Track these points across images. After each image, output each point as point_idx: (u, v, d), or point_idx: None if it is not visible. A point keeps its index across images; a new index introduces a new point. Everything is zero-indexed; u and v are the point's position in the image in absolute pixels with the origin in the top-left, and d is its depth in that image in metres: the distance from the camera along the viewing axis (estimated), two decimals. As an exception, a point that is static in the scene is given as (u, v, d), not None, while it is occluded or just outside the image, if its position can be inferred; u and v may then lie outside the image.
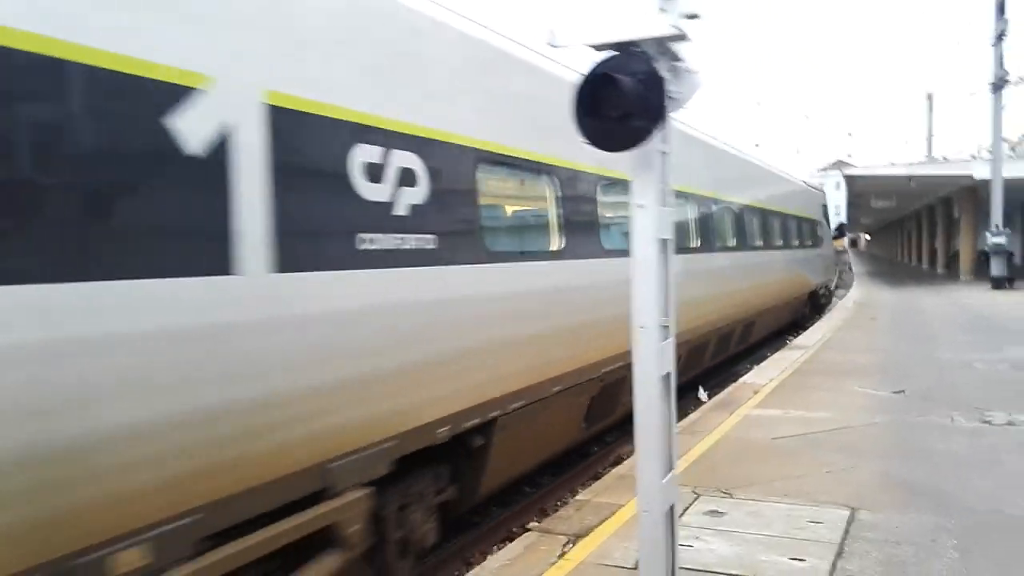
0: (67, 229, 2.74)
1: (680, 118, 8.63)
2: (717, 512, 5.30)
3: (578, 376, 6.63)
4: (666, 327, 3.05)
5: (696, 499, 5.56)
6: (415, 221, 4.54)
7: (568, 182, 6.56)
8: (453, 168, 4.96)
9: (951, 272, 35.30)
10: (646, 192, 2.84)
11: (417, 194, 4.57)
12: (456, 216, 5.05)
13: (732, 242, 12.02)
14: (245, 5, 3.51)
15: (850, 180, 32.86)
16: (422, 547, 5.13)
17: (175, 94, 3.09)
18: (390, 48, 4.50)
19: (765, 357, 13.12)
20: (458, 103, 5.13)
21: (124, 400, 2.88)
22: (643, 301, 2.86)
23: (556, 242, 6.38)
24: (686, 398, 10.47)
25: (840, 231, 38.65)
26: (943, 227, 38.99)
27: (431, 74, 4.87)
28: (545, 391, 6.10)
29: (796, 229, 17.66)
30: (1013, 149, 70.48)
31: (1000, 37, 23.01)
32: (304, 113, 3.74)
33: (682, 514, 5.24)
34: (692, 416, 8.46)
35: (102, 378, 2.81)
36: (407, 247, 4.46)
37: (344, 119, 4.01)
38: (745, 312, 12.57)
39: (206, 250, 3.23)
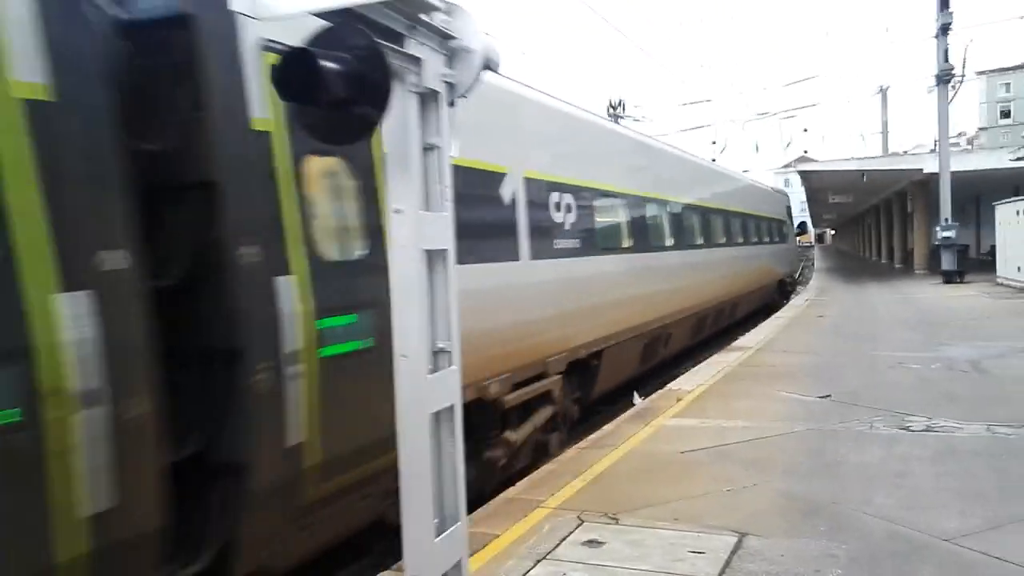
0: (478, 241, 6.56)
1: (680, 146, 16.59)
2: (596, 542, 4.85)
3: (635, 331, 10.57)
4: (446, 352, 2.58)
5: (578, 526, 5.11)
6: (571, 232, 8.59)
7: (634, 201, 11.00)
8: (585, 200, 9.10)
9: (907, 266, 35.45)
10: (404, 195, 2.35)
11: (572, 217, 8.62)
12: (585, 228, 9.05)
13: (721, 239, 16.29)
14: (523, 136, 7.91)
15: (805, 176, 32.81)
16: (572, 419, 9.03)
17: (500, 176, 7.16)
18: (564, 141, 9.08)
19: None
20: (584, 162, 9.48)
21: (496, 315, 6.65)
22: (403, 326, 2.37)
23: (624, 242, 10.45)
24: (623, 401, 10.09)
25: (803, 228, 39.70)
26: (899, 221, 39.19)
27: (578, 149, 9.51)
28: (624, 337, 10.12)
29: (766, 228, 22.31)
30: (971, 143, 71.40)
31: (944, 30, 22.97)
32: (535, 179, 7.86)
33: (558, 545, 4.81)
34: (606, 428, 8.03)
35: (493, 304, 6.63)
36: (569, 246, 8.47)
37: (549, 180, 8.24)
38: (730, 295, 16.94)
39: (511, 248, 7.26)
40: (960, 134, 75.71)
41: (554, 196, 8.20)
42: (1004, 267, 23.63)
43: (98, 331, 2.96)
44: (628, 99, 37.21)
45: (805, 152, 45.65)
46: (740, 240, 18.08)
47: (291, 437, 3.97)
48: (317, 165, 4.42)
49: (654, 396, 9.54)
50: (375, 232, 4.77)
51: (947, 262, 24.72)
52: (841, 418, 7.75)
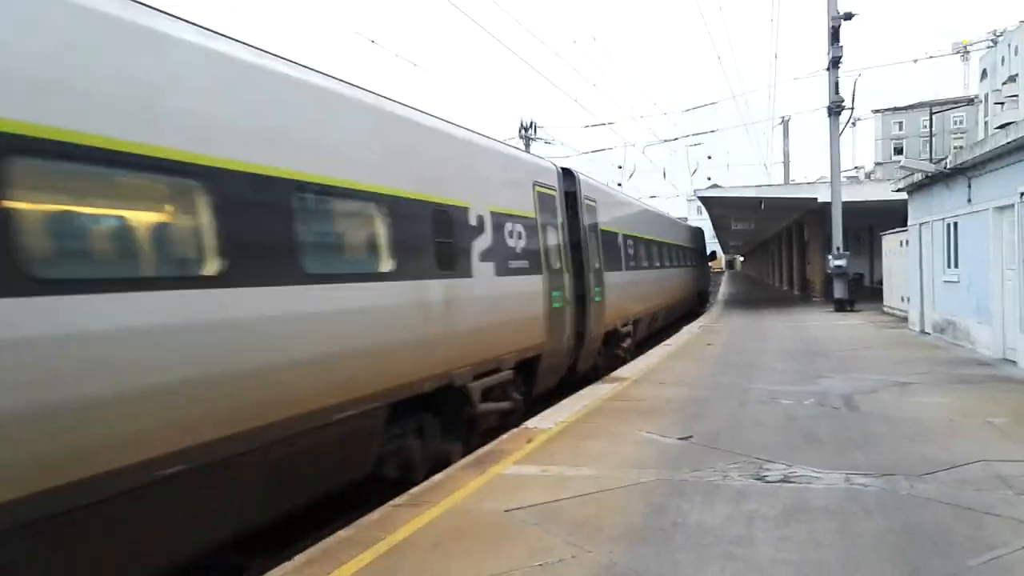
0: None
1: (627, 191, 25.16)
2: (346, 648, 3.80)
3: (651, 310, 19.56)
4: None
5: (336, 623, 4.05)
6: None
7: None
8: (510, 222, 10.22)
9: (805, 294, 36.03)
10: None
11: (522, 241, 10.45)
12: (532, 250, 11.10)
13: (659, 263, 21.69)
14: (481, 183, 9.42)
15: (707, 202, 32.94)
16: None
17: (463, 209, 8.57)
18: (514, 183, 10.57)
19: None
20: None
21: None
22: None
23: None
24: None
25: (712, 255, 42.08)
26: (798, 250, 39.99)
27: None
28: (648, 315, 19.01)
29: (688, 255, 30.07)
30: (868, 176, 74.49)
31: (835, 63, 23.27)
32: (498, 212, 9.49)
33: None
34: (437, 477, 7.00)
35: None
36: (518, 266, 10.08)
37: (503, 212, 9.68)
38: (667, 302, 22.97)
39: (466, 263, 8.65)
40: (858, 168, 79.19)
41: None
42: (890, 296, 23.97)
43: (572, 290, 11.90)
44: (536, 121, 36.64)
45: (709, 179, 46.26)
46: (671, 263, 24.24)
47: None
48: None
49: (504, 436, 8.58)
50: (563, 255, 11.89)
51: (839, 290, 24.92)
52: (695, 465, 6.95)
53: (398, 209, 7.19)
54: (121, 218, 4.73)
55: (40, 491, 3.81)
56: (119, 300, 4.30)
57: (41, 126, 3.99)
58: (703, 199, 32.29)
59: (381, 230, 6.98)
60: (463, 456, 7.98)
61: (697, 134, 38.15)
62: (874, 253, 36.07)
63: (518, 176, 10.74)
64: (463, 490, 6.48)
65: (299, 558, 5.13)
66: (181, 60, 5.02)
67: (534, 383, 10.66)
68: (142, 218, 4.88)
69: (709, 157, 45.90)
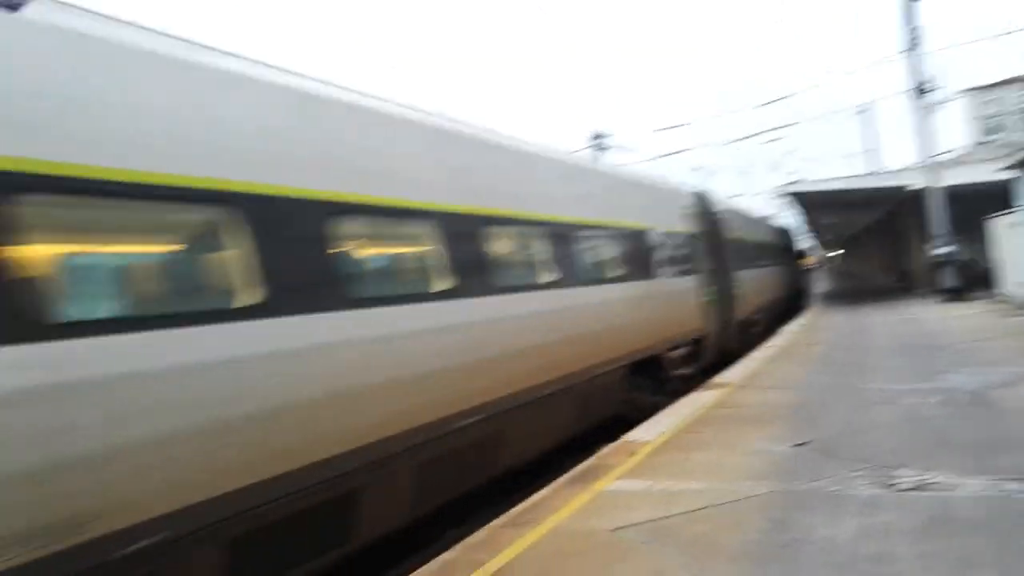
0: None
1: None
2: None
3: (767, 303, 22.17)
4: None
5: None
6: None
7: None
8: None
9: (907, 285, 34.10)
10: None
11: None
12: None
13: (766, 262, 23.74)
14: (653, 211, 12.71)
15: (792, 197, 31.62)
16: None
17: (649, 231, 11.95)
18: (671, 208, 13.91)
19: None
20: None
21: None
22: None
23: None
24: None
25: (803, 253, 41.97)
26: (894, 239, 37.94)
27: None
28: (765, 306, 21.71)
29: (784, 254, 31.90)
30: (962, 159, 70.42)
31: (913, 44, 21.93)
32: (666, 231, 12.80)
33: None
34: (540, 494, 6.74)
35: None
36: (682, 270, 13.32)
37: (668, 231, 12.98)
38: (776, 296, 25.50)
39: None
40: (948, 151, 74.81)
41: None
42: (1005, 282, 22.30)
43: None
44: (604, 128, 36.27)
45: (791, 174, 44.53)
46: (773, 263, 25.84)
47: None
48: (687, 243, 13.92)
49: (605, 451, 8.24)
50: (707, 260, 14.86)
51: (947, 279, 23.39)
52: (814, 474, 6.44)
53: (622, 234, 10.96)
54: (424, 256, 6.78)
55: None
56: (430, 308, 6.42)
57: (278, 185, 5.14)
58: (788, 195, 31.04)
59: (618, 250, 10.73)
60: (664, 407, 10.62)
61: (775, 128, 36.72)
62: (975, 239, 33.86)
63: (673, 202, 14.30)
64: (567, 508, 6.19)
65: (466, 543, 4.95)
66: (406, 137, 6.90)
67: (701, 357, 13.99)
68: (424, 254, 6.70)
69: (790, 152, 44.28)
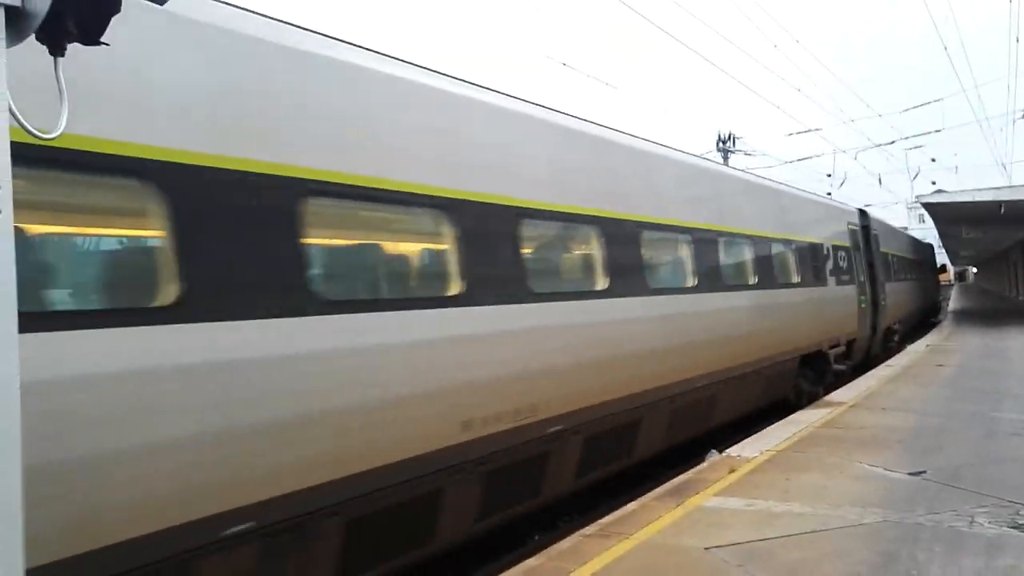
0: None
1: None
2: None
3: (906, 314, 23.95)
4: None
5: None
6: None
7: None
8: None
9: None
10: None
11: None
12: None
13: (908, 276, 26.03)
14: (825, 227, 15.01)
15: (931, 209, 29.55)
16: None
17: (821, 245, 14.20)
18: (838, 225, 16.18)
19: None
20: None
21: None
22: None
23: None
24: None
25: (943, 268, 41.65)
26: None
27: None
28: (905, 317, 23.61)
29: (923, 268, 33.78)
30: None
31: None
32: (834, 245, 14.90)
33: None
34: (628, 507, 6.58)
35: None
36: (844, 279, 15.44)
37: (836, 244, 15.10)
38: (915, 308, 27.34)
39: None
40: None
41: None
42: None
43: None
44: (734, 133, 35.03)
45: (933, 183, 41.58)
46: (913, 276, 27.83)
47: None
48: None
49: (703, 465, 7.96)
50: (864, 271, 16.85)
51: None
52: (931, 506, 5.97)
53: (803, 247, 13.12)
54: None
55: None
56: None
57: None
58: (928, 206, 29.02)
59: (800, 261, 12.81)
60: (821, 396, 12.61)
61: (918, 135, 34.33)
62: None
63: (840, 219, 16.42)
64: (658, 522, 6.00)
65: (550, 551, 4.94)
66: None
67: (852, 357, 15.53)
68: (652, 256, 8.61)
69: (933, 160, 41.18)
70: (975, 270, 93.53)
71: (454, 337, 5.43)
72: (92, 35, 2.41)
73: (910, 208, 68.41)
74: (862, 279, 16.58)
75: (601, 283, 7.24)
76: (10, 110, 2.11)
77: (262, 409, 4.01)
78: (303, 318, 4.31)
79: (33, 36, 2.22)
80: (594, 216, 7.24)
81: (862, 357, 16.47)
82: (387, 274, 5.60)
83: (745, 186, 12.02)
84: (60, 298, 3.67)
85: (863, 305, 16.37)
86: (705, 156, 15.25)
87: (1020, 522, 5.48)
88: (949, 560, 4.84)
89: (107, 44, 2.44)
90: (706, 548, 5.33)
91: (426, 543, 5.43)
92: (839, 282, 14.76)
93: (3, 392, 1.94)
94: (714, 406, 9.72)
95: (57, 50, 2.34)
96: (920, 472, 7.00)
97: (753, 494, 6.62)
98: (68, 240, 3.99)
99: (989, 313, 34.82)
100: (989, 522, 5.53)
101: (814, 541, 5.34)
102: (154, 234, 3.88)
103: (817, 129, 32.39)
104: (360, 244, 5.68)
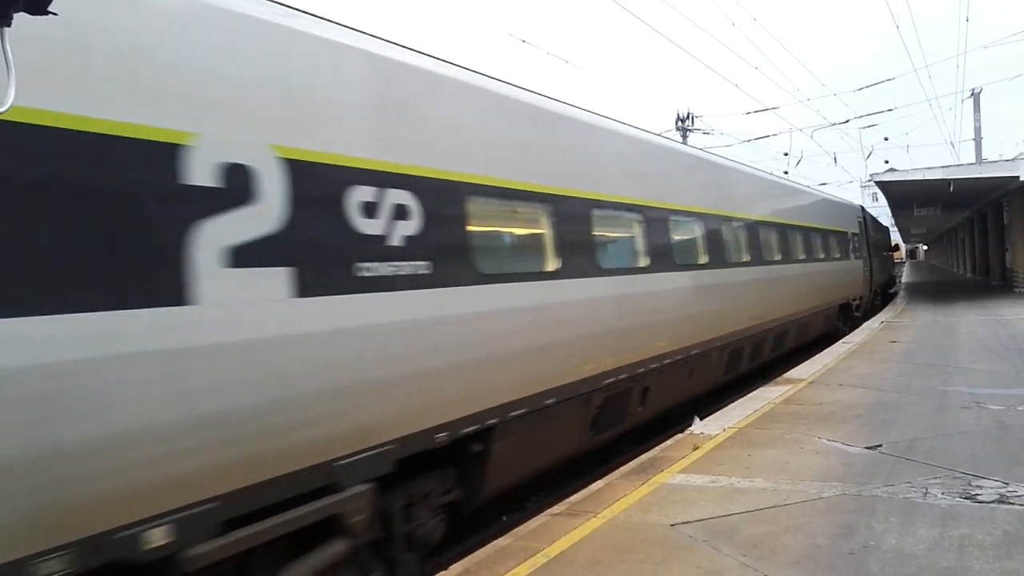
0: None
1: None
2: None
3: (876, 283, 28.67)
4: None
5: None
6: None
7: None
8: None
9: (1005, 284, 32.30)
10: None
11: None
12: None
13: (878, 253, 30.22)
14: (849, 219, 23.33)
15: (884, 187, 30.18)
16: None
17: (846, 232, 22.29)
18: (852, 217, 23.99)
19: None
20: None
21: None
22: None
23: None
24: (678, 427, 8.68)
25: (896, 247, 44.09)
26: (995, 235, 35.93)
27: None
28: (876, 286, 28.71)
29: (884, 247, 36.38)
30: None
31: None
32: (852, 233, 22.91)
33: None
34: (595, 485, 6.66)
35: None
36: (858, 255, 23.53)
37: (853, 232, 23.26)
38: (879, 280, 29.80)
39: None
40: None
41: None
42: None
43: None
44: (693, 111, 35.23)
45: (887, 162, 42.48)
46: (878, 253, 30.80)
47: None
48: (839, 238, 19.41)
49: (668, 443, 8.09)
50: (863, 249, 24.03)
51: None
52: (887, 478, 6.16)
53: (836, 233, 19.85)
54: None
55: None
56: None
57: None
58: (881, 184, 29.59)
59: (835, 243, 19.55)
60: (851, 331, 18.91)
61: (871, 114, 35.07)
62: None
63: (851, 213, 23.82)
64: (624, 500, 6.09)
65: (455, 567, 4.97)
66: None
67: (860, 308, 22.87)
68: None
69: (886, 139, 42.22)
70: (925, 248, 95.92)
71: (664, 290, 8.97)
72: (39, 5, 2.34)
73: (864, 187, 69.64)
74: (864, 256, 23.86)
75: (743, 256, 11.97)
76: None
77: (592, 324, 7.30)
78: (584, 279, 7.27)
79: None
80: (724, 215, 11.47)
81: (865, 309, 24.03)
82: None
83: (820, 198, 20.08)
84: (509, 266, 6.47)
85: (865, 273, 23.94)
86: (664, 135, 16.52)
87: (972, 493, 5.68)
88: (905, 531, 5.00)
89: (55, 14, 2.36)
90: (672, 525, 5.43)
91: (633, 418, 8.57)
92: (856, 257, 22.62)
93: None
94: (807, 329, 16.69)
95: (3, 19, 2.27)
96: (876, 446, 7.21)
97: (716, 471, 6.76)
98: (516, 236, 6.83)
99: (939, 289, 35.81)
100: (943, 493, 5.72)
101: (776, 515, 5.48)
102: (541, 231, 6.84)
103: (774, 108, 32.72)
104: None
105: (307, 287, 4.16)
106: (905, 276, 51.70)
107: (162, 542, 3.38)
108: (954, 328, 17.66)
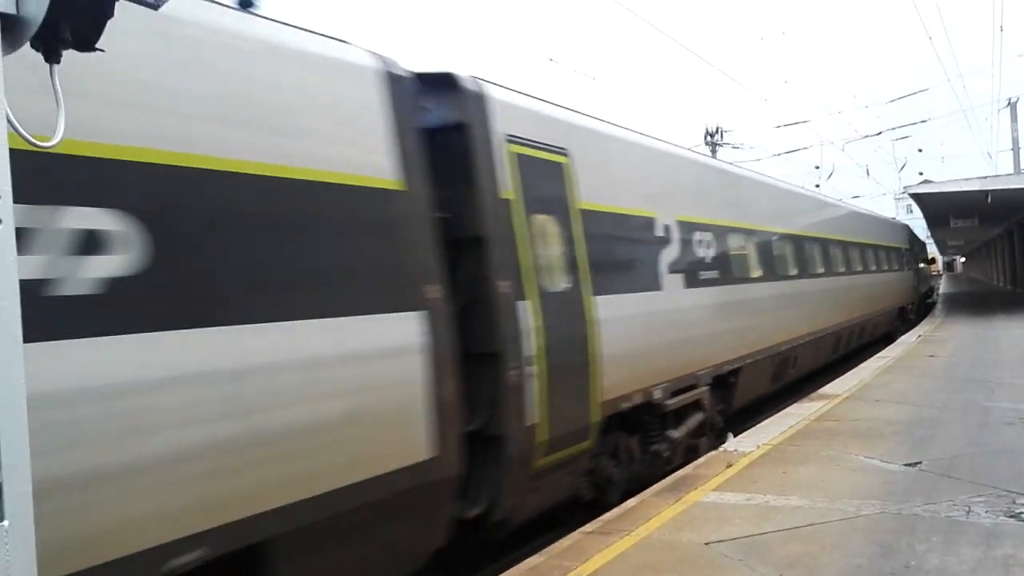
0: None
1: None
2: None
3: (918, 294, 32.05)
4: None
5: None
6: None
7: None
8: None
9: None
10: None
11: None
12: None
13: (918, 266, 33.04)
14: (901, 237, 28.31)
15: (919, 199, 29.69)
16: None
17: (900, 249, 26.94)
18: (902, 234, 29.39)
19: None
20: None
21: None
22: None
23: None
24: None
25: (933, 260, 45.15)
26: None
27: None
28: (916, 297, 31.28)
29: (919, 259, 36.35)
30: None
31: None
32: (902, 248, 27.32)
33: None
34: (628, 503, 6.60)
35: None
36: (907, 268, 28.86)
37: (903, 247, 27.69)
38: (925, 286, 36.22)
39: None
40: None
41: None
42: None
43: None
44: (721, 126, 35.06)
45: (921, 174, 41.87)
46: (922, 266, 35.32)
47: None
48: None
49: (701, 460, 8.00)
50: (910, 262, 28.80)
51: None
52: (928, 496, 6.02)
53: (894, 249, 25.66)
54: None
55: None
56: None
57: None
58: (916, 196, 29.16)
59: (895, 257, 25.36)
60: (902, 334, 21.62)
61: (904, 126, 34.67)
62: None
63: (902, 231, 29.17)
64: (658, 518, 6.03)
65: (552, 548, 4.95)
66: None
67: (912, 312, 27.44)
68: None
69: (920, 150, 41.52)
70: (963, 260, 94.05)
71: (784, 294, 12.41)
72: (88, 42, 2.40)
73: (897, 199, 68.51)
74: (911, 268, 28.41)
75: (844, 268, 16.98)
76: (8, 119, 2.11)
77: (773, 312, 11.65)
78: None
79: (28, 44, 2.21)
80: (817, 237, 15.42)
81: (913, 313, 28.07)
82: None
83: (883, 221, 25.77)
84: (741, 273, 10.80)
85: (913, 283, 28.54)
86: (693, 149, 17.75)
87: (1017, 511, 5.53)
88: (948, 550, 4.87)
89: (102, 51, 2.43)
90: (706, 543, 5.36)
91: (789, 375, 12.92)
92: (907, 269, 27.43)
93: (8, 398, 1.97)
94: (879, 324, 21.07)
95: (52, 57, 2.33)
96: (916, 463, 7.06)
97: (751, 488, 6.66)
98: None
99: (978, 303, 35.07)
100: (986, 512, 5.58)
101: (813, 534, 5.38)
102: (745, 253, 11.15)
103: (805, 121, 32.48)
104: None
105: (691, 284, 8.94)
106: (942, 287, 50.69)
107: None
108: (994, 341, 17.27)
